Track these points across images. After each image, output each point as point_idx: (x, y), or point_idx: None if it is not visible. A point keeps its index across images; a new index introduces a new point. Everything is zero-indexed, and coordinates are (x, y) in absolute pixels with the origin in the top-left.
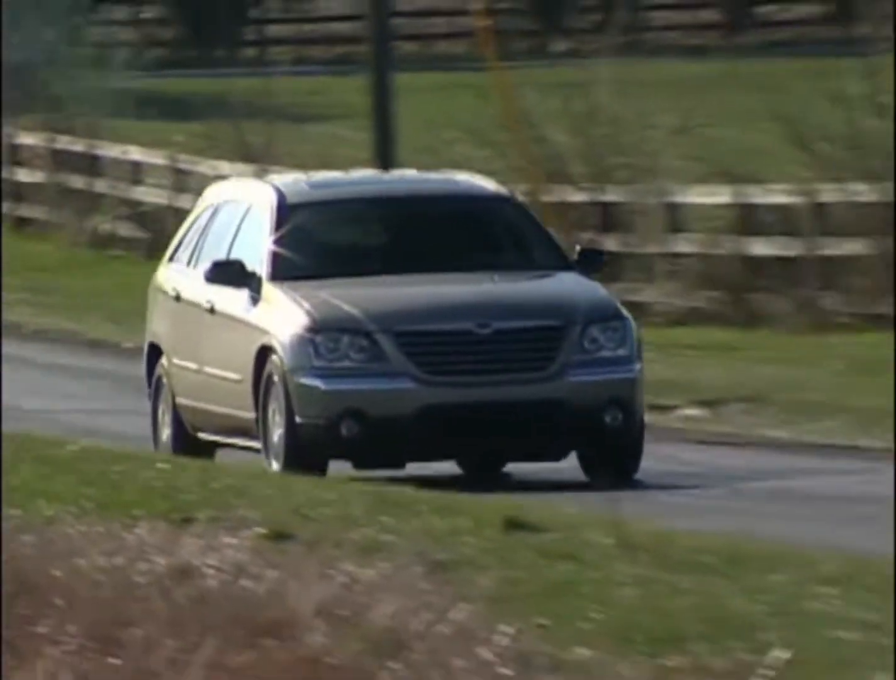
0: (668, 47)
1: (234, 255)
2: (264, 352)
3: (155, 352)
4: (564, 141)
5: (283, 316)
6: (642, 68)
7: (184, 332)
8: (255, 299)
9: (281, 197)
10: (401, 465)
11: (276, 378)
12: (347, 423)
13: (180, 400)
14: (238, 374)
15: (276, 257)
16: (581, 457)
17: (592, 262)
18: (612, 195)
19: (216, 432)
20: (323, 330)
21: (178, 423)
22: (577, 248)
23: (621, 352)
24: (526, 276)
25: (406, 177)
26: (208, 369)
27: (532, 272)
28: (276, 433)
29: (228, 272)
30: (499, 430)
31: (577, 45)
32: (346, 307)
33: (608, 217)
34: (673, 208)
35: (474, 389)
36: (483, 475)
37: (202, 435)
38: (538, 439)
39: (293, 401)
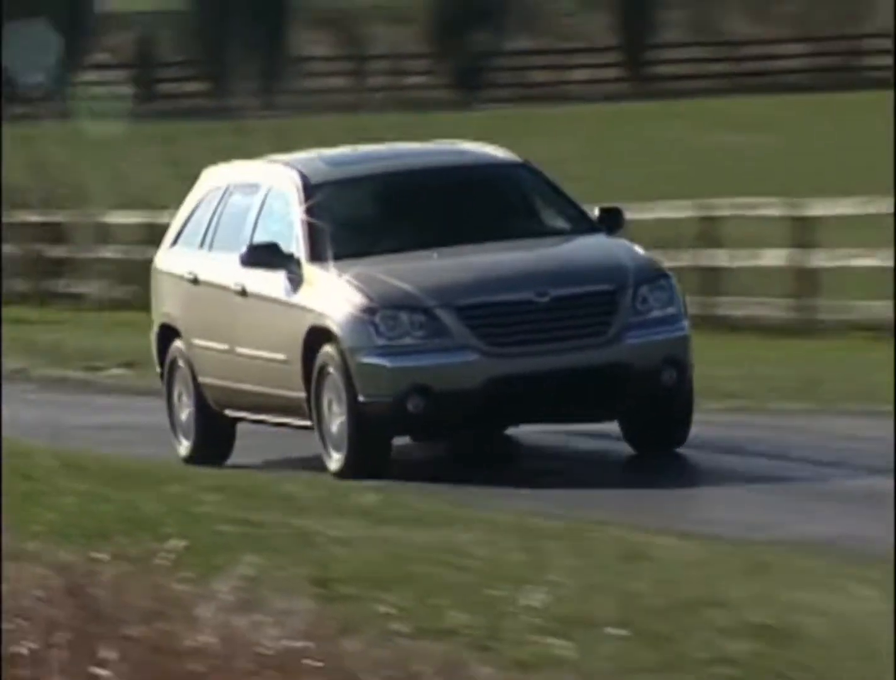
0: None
1: (258, 238)
2: (314, 333)
3: (168, 333)
4: (23, 178)
5: (334, 296)
6: (74, 128)
7: (207, 314)
8: (296, 281)
9: (305, 178)
10: (463, 436)
11: (331, 365)
12: (414, 399)
13: (204, 379)
14: (283, 354)
15: (313, 238)
16: (626, 428)
17: (614, 221)
18: (59, 217)
19: (252, 410)
20: (380, 308)
21: (199, 400)
22: (597, 209)
23: (670, 310)
24: (567, 241)
25: (421, 149)
26: (243, 350)
27: (566, 236)
28: (336, 423)
29: (265, 255)
30: (563, 397)
31: (30, 110)
32: (401, 284)
33: (56, 232)
34: (99, 226)
35: (537, 357)
36: (490, 447)
37: (229, 412)
38: (601, 403)
39: (356, 380)
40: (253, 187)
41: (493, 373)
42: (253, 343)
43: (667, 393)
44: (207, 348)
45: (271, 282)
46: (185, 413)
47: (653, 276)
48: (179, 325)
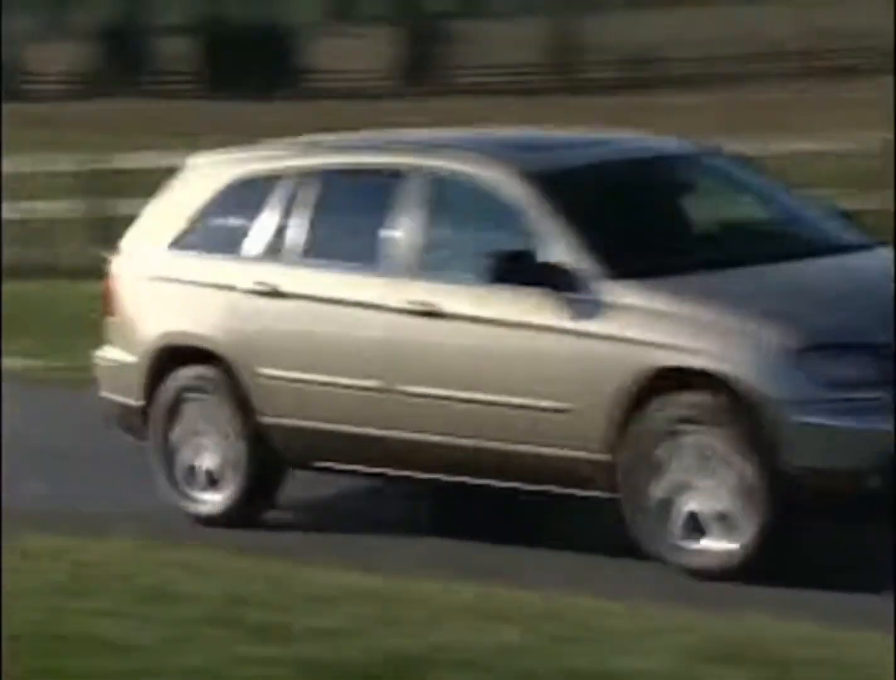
0: None
1: (444, 241)
2: (667, 375)
3: (175, 356)
4: None
5: (695, 327)
6: None
7: (310, 338)
8: (588, 303)
9: (518, 166)
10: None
11: (703, 418)
12: (880, 473)
13: (282, 421)
14: (565, 402)
15: (597, 247)
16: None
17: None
18: None
19: (426, 469)
20: (817, 348)
21: (256, 445)
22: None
23: None
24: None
25: (617, 137)
26: (423, 390)
27: (864, 249)
28: (701, 497)
29: (521, 268)
30: None
31: None
32: (833, 315)
33: None
34: None
35: None
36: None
37: (319, 464)
38: None
39: (784, 444)
40: (383, 174)
41: None
42: (463, 383)
43: None
44: (304, 381)
45: (514, 303)
46: (211, 460)
47: None
48: (223, 349)
